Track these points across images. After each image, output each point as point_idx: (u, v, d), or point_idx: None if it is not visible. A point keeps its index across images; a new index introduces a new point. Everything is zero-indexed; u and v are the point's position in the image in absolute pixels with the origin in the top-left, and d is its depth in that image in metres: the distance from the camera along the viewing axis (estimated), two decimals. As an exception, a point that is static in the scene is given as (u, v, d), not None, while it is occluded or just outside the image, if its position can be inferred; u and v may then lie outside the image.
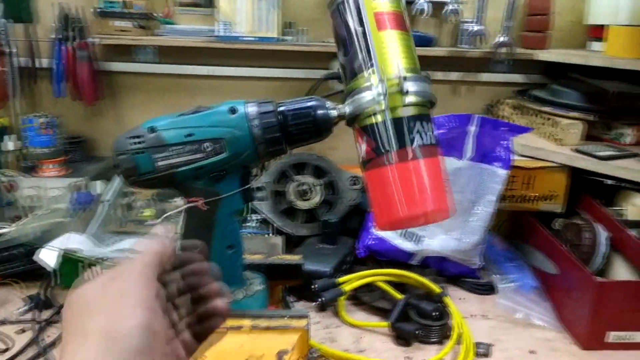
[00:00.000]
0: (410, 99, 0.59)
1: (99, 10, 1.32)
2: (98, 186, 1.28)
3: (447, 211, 0.62)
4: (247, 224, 1.20)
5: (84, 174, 1.30)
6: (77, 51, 1.29)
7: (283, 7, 1.32)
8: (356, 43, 0.61)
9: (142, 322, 0.39)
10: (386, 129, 0.59)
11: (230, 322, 0.64)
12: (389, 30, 0.61)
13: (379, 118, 0.59)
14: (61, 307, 0.99)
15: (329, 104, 0.63)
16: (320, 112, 0.62)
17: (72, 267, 1.02)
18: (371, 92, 0.60)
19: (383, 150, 0.60)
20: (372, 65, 0.60)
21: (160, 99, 1.44)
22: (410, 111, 0.60)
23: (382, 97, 0.59)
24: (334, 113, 0.62)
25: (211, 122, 0.61)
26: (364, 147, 0.61)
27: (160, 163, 0.62)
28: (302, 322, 0.65)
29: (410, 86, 0.59)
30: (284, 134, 0.62)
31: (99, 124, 1.46)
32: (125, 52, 1.39)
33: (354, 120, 0.63)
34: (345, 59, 0.63)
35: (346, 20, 0.62)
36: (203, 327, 0.48)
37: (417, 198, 0.60)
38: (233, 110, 0.61)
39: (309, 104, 0.62)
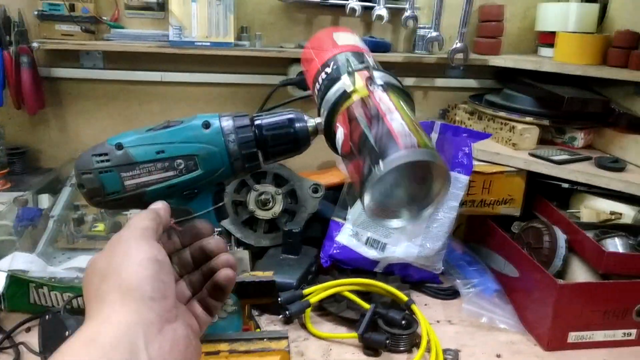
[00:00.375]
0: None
1: (37, 12, 1.24)
2: (44, 200, 1.21)
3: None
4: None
5: (27, 188, 1.22)
6: (19, 57, 1.21)
7: (236, 11, 1.28)
8: None
9: (149, 273, 0.44)
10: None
11: (206, 348, 0.61)
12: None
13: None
14: (10, 332, 0.92)
15: (306, 116, 0.61)
16: (298, 125, 0.60)
17: (21, 289, 0.95)
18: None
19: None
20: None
21: (107, 106, 1.37)
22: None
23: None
24: (312, 125, 0.60)
25: (183, 137, 0.58)
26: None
27: (128, 182, 0.58)
28: (282, 344, 0.62)
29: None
30: (261, 149, 0.60)
31: (42, 134, 1.37)
32: (70, 57, 1.32)
33: (330, 123, 0.61)
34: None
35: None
36: (213, 299, 0.53)
37: None
38: (207, 125, 0.58)
39: (287, 117, 0.60)
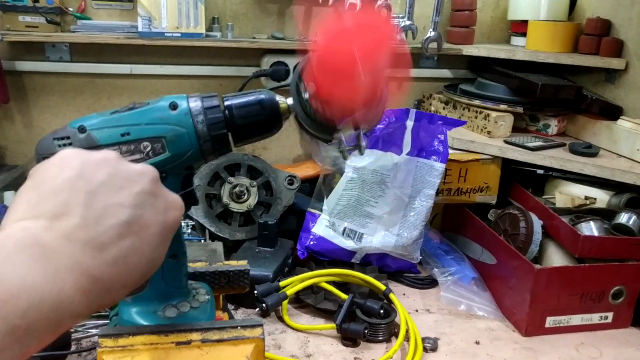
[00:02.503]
0: None
1: (0, 3, 1.19)
2: (9, 197, 1.17)
3: None
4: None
5: (-8, 185, 1.18)
6: (-21, 49, 1.17)
7: (206, 2, 1.26)
8: None
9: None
10: None
11: (177, 338, 0.59)
12: None
13: None
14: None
15: (278, 96, 0.59)
16: (270, 105, 0.58)
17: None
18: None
19: None
20: None
21: (74, 100, 1.33)
22: None
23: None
24: (284, 106, 0.58)
25: (150, 119, 0.55)
26: None
27: (92, 166, 0.55)
28: (257, 332, 0.60)
29: None
30: (232, 130, 0.58)
31: (6, 130, 1.32)
32: (35, 50, 1.27)
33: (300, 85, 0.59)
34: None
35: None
36: None
37: None
38: (174, 106, 0.56)
39: (258, 97, 0.58)
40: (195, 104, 0.56)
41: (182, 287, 0.64)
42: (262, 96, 0.58)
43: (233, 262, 0.75)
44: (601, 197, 1.15)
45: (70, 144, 0.55)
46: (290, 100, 0.59)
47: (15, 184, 1.22)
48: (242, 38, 1.32)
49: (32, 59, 1.28)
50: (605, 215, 1.09)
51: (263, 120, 0.58)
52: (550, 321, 1.01)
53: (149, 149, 0.56)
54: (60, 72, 1.30)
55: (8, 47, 1.26)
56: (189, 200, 0.62)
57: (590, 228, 1.05)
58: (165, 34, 1.23)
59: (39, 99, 1.32)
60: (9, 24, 1.21)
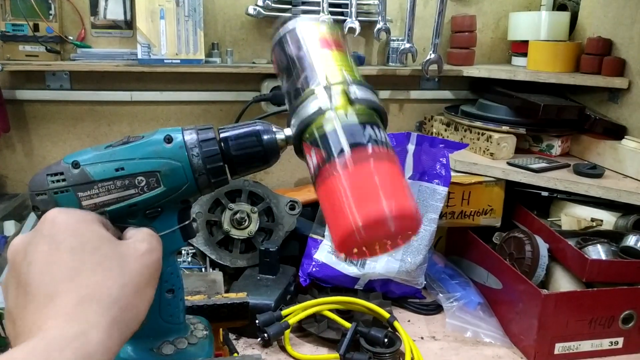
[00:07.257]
0: (358, 105, 0.54)
1: (0, 32, 1.20)
2: (9, 227, 1.16)
3: (414, 219, 0.49)
4: (179, 260, 1.11)
5: (-9, 214, 1.17)
6: (-21, 79, 1.17)
7: (206, 28, 1.26)
8: (300, 64, 0.58)
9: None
10: (337, 135, 0.52)
11: (174, 377, 0.57)
12: (333, 51, 0.58)
13: (328, 127, 0.53)
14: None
15: (274, 127, 0.58)
16: (266, 137, 0.56)
17: (-18, 321, 0.90)
18: (317, 100, 0.54)
19: (333, 156, 0.51)
20: (316, 81, 0.55)
21: (74, 128, 1.33)
22: (360, 118, 0.54)
23: (328, 104, 0.53)
24: (281, 137, 0.57)
25: (144, 153, 0.54)
26: (314, 159, 0.54)
27: (86, 202, 0.54)
28: (256, 369, 0.59)
29: (357, 92, 0.54)
30: (228, 162, 0.56)
31: (6, 159, 1.32)
32: (35, 78, 1.28)
33: (300, 137, 0.56)
34: (288, 82, 0.58)
35: (290, 48, 0.60)
36: None
37: (372, 201, 0.48)
38: (169, 139, 0.55)
39: (254, 128, 0.57)
40: (190, 136, 0.55)
41: (180, 322, 0.62)
42: (259, 127, 0.57)
43: (232, 295, 0.73)
44: (608, 219, 1.13)
45: (64, 180, 0.54)
46: (288, 131, 0.58)
47: (16, 213, 1.21)
48: (241, 63, 1.32)
49: (32, 87, 1.28)
50: (612, 237, 1.07)
51: (260, 152, 0.57)
52: (559, 347, 0.99)
53: (143, 183, 0.55)
54: (60, 101, 1.30)
55: (9, 76, 1.26)
56: (186, 233, 0.60)
57: (598, 251, 1.03)
58: (165, 61, 1.23)
59: (40, 127, 1.32)
60: (9, 54, 1.22)
